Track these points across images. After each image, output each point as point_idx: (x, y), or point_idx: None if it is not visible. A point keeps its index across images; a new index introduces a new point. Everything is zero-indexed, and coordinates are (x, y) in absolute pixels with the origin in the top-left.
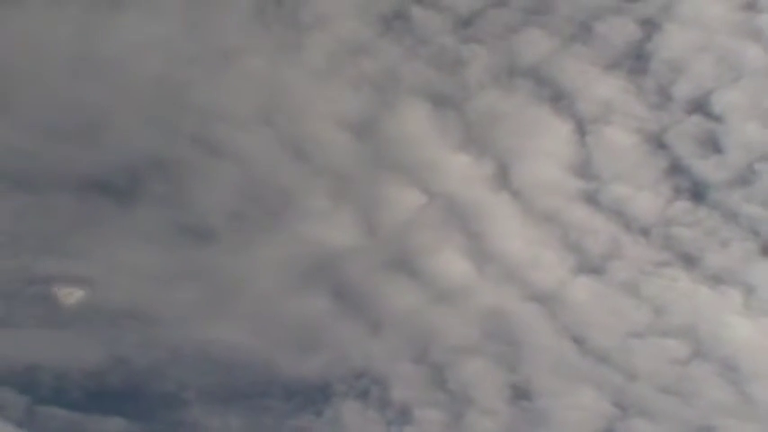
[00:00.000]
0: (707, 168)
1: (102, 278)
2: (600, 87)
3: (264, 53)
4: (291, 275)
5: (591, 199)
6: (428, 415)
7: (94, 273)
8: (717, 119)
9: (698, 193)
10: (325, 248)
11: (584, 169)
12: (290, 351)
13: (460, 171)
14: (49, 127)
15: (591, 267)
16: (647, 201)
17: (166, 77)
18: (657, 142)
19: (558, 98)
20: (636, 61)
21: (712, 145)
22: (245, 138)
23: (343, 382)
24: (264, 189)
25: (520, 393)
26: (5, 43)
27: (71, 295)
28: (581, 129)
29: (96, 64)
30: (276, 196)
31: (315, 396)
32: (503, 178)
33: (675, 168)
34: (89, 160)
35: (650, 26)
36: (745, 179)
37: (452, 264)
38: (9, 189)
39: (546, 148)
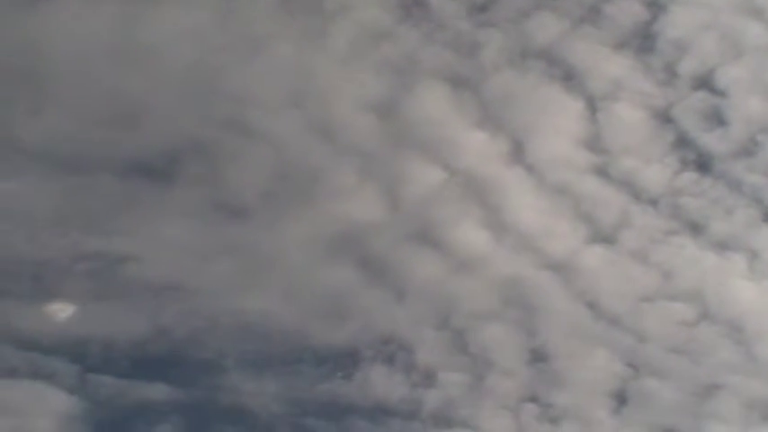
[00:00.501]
0: (712, 141)
1: (144, 254)
2: (609, 66)
3: (291, 40)
4: (320, 249)
5: (601, 172)
6: (451, 378)
7: (137, 249)
8: (720, 94)
9: (703, 164)
10: (352, 223)
11: (594, 144)
12: (320, 319)
13: (477, 148)
14: (93, 113)
15: (602, 236)
16: (655, 173)
17: (200, 65)
18: (664, 117)
19: (569, 77)
20: (643, 41)
21: (716, 119)
22: (274, 121)
23: (371, 348)
24: (294, 169)
25: (537, 356)
26: (52, 36)
27: (116, 270)
28: (591, 106)
29: (136, 54)
30: (305, 175)
31: (344, 361)
32: (517, 154)
33: (682, 141)
34: (131, 144)
35: (656, 7)
36: (748, 150)
37: (471, 235)
38: (58, 172)
39: (558, 124)
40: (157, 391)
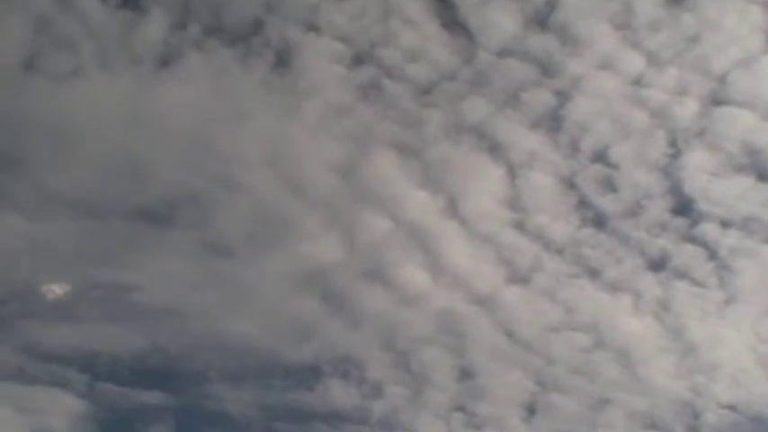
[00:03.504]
0: (606, 203)
1: (145, 284)
2: (526, 141)
3: (270, 113)
4: (290, 283)
5: (519, 225)
6: (395, 390)
7: (140, 280)
8: (613, 166)
9: (599, 222)
10: (316, 263)
11: (513, 203)
12: (288, 341)
13: (419, 204)
14: (107, 169)
15: (519, 278)
16: (561, 227)
17: (196, 131)
18: (569, 183)
19: (494, 149)
20: (552, 122)
21: (610, 186)
22: (255, 177)
23: (330, 365)
24: (270, 217)
25: (465, 374)
26: (78, 106)
27: (122, 297)
28: (511, 172)
29: (143, 121)
30: (279, 222)
31: (307, 375)
32: (452, 209)
33: (582, 203)
34: (137, 194)
35: (563, 96)
36: (634, 212)
37: (413, 275)
38: (76, 215)
39: (485, 186)
40: (153, 397)
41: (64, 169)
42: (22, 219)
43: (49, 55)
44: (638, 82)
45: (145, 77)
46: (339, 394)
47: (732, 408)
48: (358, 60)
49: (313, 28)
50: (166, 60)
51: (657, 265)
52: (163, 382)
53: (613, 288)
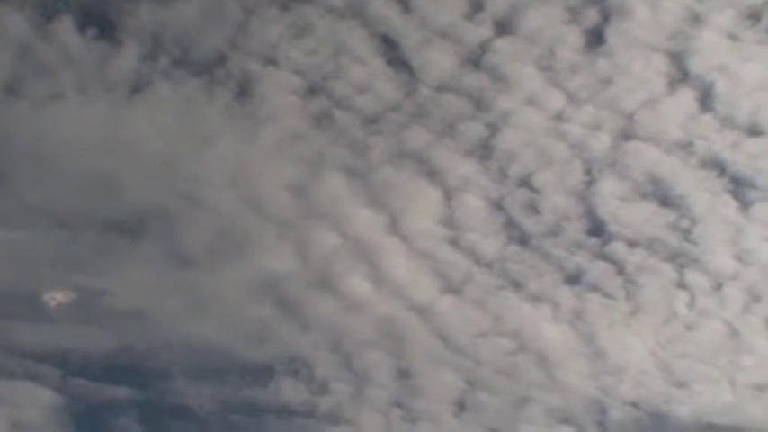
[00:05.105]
0: (530, 224)
1: (115, 289)
2: (460, 167)
3: (232, 137)
4: (247, 290)
5: (453, 242)
6: (340, 387)
7: (111, 286)
8: (536, 191)
9: (524, 240)
10: (271, 272)
11: (448, 222)
12: (245, 342)
13: (365, 221)
14: (82, 185)
15: (452, 289)
16: (490, 244)
17: (164, 152)
18: (497, 206)
19: (432, 174)
20: (484, 151)
21: (533, 209)
22: (217, 195)
23: (281, 364)
24: (230, 231)
25: (403, 373)
26: (56, 127)
27: (94, 301)
28: (447, 195)
29: (115, 141)
30: (238, 236)
31: (261, 374)
32: (394, 226)
33: (509, 223)
34: (109, 208)
35: (493, 128)
36: (554, 232)
37: (358, 284)
38: (53, 227)
39: (423, 207)
40: (121, 392)
41: (42, 185)
42: (3, 229)
43: (30, 81)
44: (558, 117)
45: (118, 103)
46: (289, 390)
47: (634, 405)
48: (312, 92)
49: (272, 62)
50: (138, 88)
51: (573, 278)
52: (130, 378)
53: (535, 299)
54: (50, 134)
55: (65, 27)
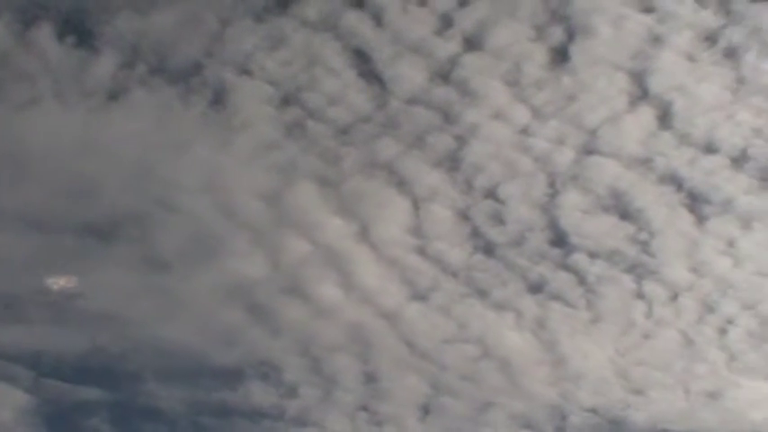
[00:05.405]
0: (495, 234)
1: (89, 292)
2: (428, 178)
3: (207, 145)
4: (219, 295)
5: (421, 251)
6: (308, 391)
7: (85, 288)
8: (502, 202)
9: (489, 250)
10: (243, 278)
11: (416, 231)
12: (216, 346)
13: (336, 229)
14: (58, 188)
15: (419, 296)
16: (456, 254)
17: (139, 158)
18: (464, 216)
19: (401, 184)
20: (451, 162)
21: (498, 219)
22: (191, 201)
23: (252, 368)
24: (203, 236)
25: (370, 378)
26: (32, 131)
27: (68, 303)
28: (416, 204)
29: (92, 147)
30: (211, 241)
31: (231, 377)
32: (364, 235)
33: (475, 233)
34: (84, 212)
35: (461, 140)
36: (518, 242)
37: (328, 291)
38: (29, 230)
39: (392, 216)
40: (93, 393)
41: (19, 189)
42: None
43: (9, 86)
44: (524, 131)
45: (95, 109)
46: (259, 394)
47: (593, 411)
48: (285, 102)
49: (246, 72)
50: (115, 95)
51: (536, 288)
52: (102, 379)
53: (499, 307)
54: (28, 139)
55: (44, 34)
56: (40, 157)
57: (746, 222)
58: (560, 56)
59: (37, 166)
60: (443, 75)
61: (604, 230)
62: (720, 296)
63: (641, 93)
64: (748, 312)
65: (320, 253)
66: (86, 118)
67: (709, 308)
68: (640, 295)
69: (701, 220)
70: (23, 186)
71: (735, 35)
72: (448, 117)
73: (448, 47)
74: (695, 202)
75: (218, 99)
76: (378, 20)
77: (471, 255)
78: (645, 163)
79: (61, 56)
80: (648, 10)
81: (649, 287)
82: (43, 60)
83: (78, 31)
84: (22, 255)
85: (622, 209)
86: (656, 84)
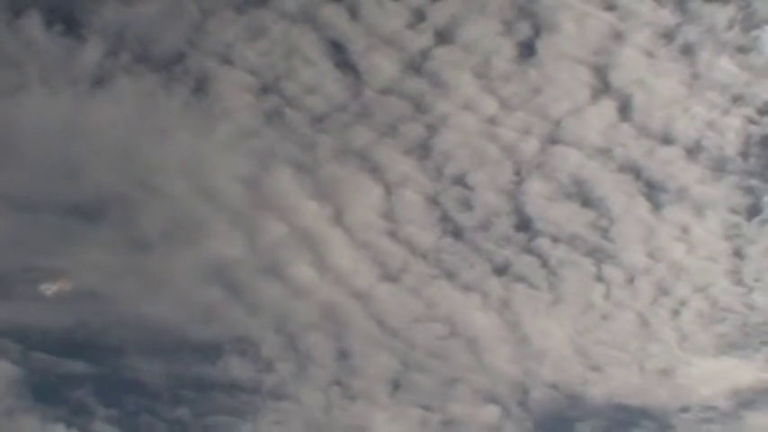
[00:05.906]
0: (463, 219)
1: (74, 270)
2: (400, 165)
3: (188, 131)
4: (199, 274)
5: (392, 234)
6: (284, 366)
7: (70, 266)
8: (470, 189)
9: (457, 233)
10: (223, 258)
11: (388, 215)
12: (196, 322)
13: (311, 213)
14: (44, 171)
15: (390, 277)
16: (426, 237)
17: (123, 142)
18: (434, 201)
19: (374, 170)
20: (422, 150)
21: (467, 205)
22: (173, 184)
23: (230, 343)
24: (185, 218)
25: (343, 355)
26: (18, 116)
27: (54, 280)
28: (388, 190)
29: (77, 131)
30: (192, 223)
31: (211, 352)
32: (338, 218)
33: (444, 218)
34: (70, 193)
35: (432, 129)
36: (485, 227)
37: (303, 271)
38: (16, 210)
39: (365, 200)
40: (78, 366)
41: (6, 170)
42: None
43: None
44: (492, 121)
45: (81, 95)
46: (237, 368)
47: (554, 386)
48: (264, 90)
49: (227, 61)
50: (100, 81)
51: (501, 270)
52: (87, 353)
53: (466, 288)
54: (15, 123)
55: (32, 23)
56: (28, 141)
57: (699, 210)
58: (527, 50)
59: (24, 149)
60: (415, 66)
61: (566, 216)
62: (674, 280)
63: (603, 86)
64: (699, 295)
65: (296, 235)
66: (72, 103)
67: (663, 290)
68: (599, 278)
69: (657, 207)
70: (12, 168)
71: (691, 33)
72: (419, 107)
73: (420, 40)
74: (652, 191)
75: (200, 87)
76: (353, 13)
77: (440, 238)
78: (605, 153)
79: (48, 43)
80: (610, 8)
81: (608, 270)
82: (31, 48)
83: (65, 20)
84: (8, 233)
85: (584, 196)
86: (616, 78)
